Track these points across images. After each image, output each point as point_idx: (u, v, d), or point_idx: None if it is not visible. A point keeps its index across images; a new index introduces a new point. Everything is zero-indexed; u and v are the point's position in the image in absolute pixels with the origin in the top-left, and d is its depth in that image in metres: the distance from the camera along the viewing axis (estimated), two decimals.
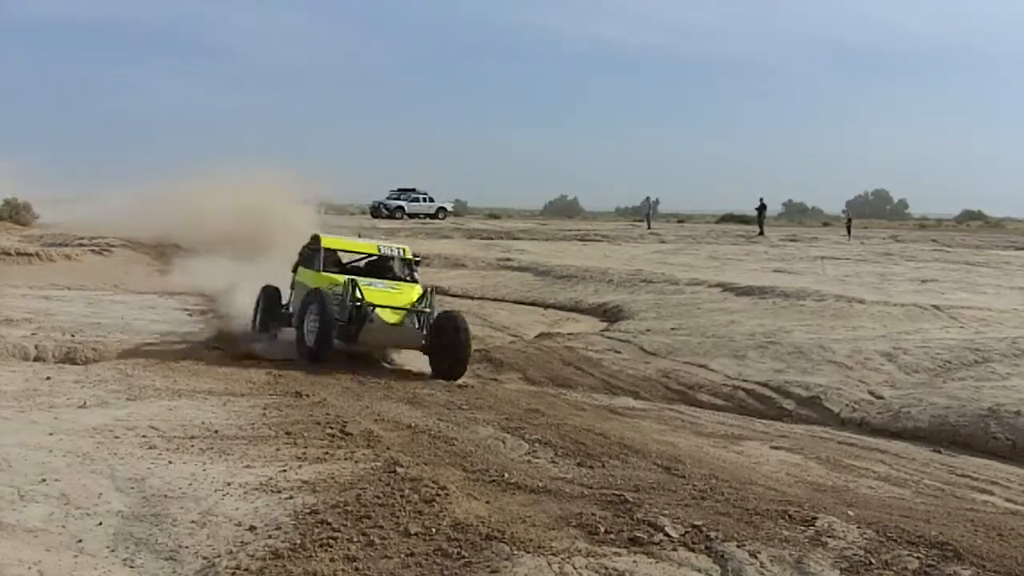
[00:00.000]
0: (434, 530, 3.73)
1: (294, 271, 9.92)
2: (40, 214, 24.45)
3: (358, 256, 10.14)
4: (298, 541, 3.59)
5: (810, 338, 10.34)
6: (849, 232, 35.11)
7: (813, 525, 4.01)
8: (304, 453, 4.94)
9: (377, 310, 8.37)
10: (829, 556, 3.65)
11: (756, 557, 3.58)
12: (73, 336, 8.70)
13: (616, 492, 4.53)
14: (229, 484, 4.33)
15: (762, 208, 34.84)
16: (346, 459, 4.84)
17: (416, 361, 8.99)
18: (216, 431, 5.38)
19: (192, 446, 5.02)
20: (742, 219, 44.88)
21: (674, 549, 3.65)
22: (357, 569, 3.37)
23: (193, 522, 3.83)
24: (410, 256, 9.83)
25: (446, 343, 8.46)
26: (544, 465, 5.23)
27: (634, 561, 3.51)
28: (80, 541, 3.61)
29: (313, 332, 8.26)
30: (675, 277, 16.91)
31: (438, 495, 4.11)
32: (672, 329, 11.52)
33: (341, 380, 7.64)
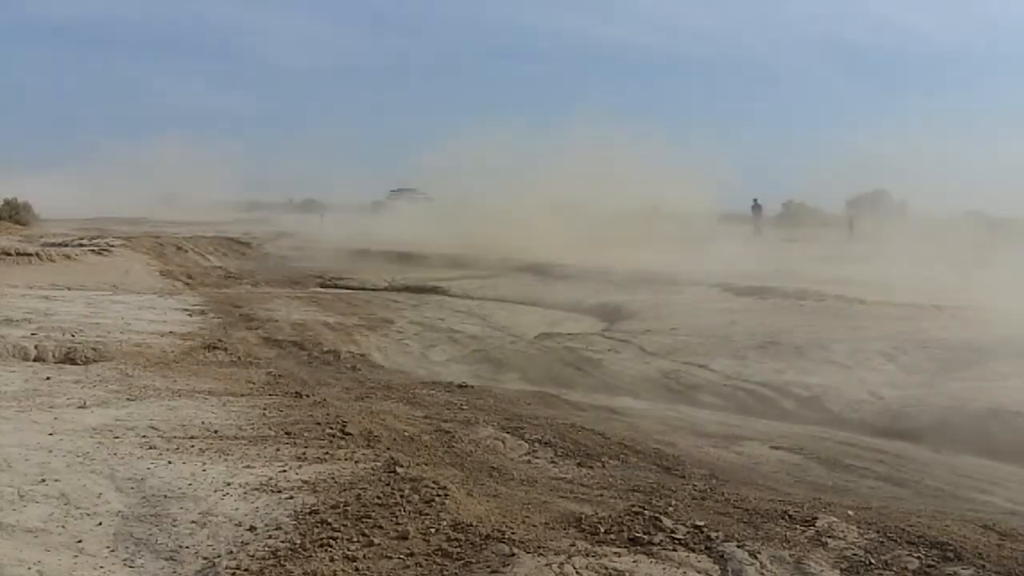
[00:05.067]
0: (434, 530, 3.73)
1: None
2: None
3: None
4: (298, 541, 3.59)
5: (810, 338, 10.35)
6: (851, 229, 35.13)
7: (813, 525, 4.01)
8: (304, 453, 4.94)
9: None
10: (829, 556, 3.65)
11: (756, 557, 3.58)
12: (73, 336, 8.69)
13: (616, 492, 4.54)
14: (229, 484, 4.33)
15: (757, 208, 34.79)
16: (346, 459, 4.84)
17: (415, 361, 8.99)
18: (216, 431, 5.38)
19: (192, 446, 5.02)
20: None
21: (674, 549, 3.65)
22: (357, 569, 3.37)
23: (193, 522, 3.83)
24: None
25: None
26: (544, 465, 5.23)
27: (634, 561, 3.51)
28: (80, 541, 3.61)
29: None
30: (675, 277, 16.92)
31: (438, 495, 4.11)
32: (672, 329, 11.52)
33: (341, 380, 7.65)
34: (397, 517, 3.86)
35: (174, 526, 3.79)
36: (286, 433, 5.40)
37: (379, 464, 4.70)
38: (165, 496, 4.14)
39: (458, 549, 3.56)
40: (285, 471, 4.57)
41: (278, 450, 5.01)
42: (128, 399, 6.23)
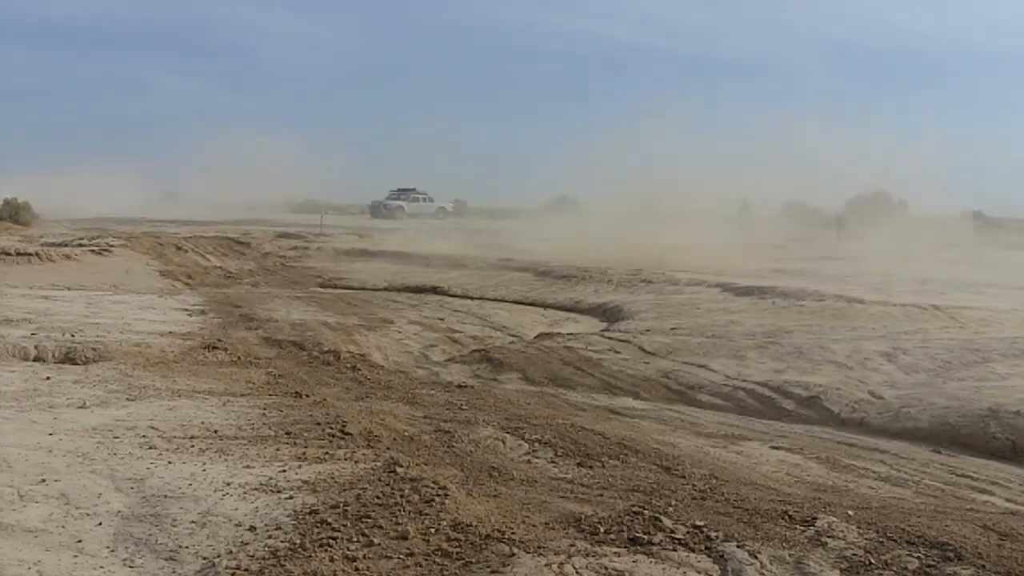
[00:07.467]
0: (434, 530, 3.73)
1: None
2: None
3: None
4: (298, 541, 3.59)
5: (810, 338, 10.35)
6: (839, 231, 35.23)
7: (813, 525, 4.02)
8: (304, 453, 4.94)
9: None
10: (829, 556, 3.65)
11: (756, 557, 3.58)
12: (73, 336, 8.69)
13: (616, 492, 4.53)
14: (229, 484, 4.33)
15: (744, 208, 35.06)
16: (346, 459, 4.84)
17: (415, 362, 8.99)
18: (216, 431, 5.38)
19: (192, 446, 5.02)
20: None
21: (674, 549, 3.65)
22: (357, 569, 3.37)
23: (193, 522, 3.83)
24: None
25: None
26: (544, 465, 5.23)
27: (634, 561, 3.52)
28: (80, 541, 3.61)
29: None
30: (675, 277, 16.94)
31: (438, 495, 4.11)
32: (672, 329, 11.53)
33: (341, 380, 7.65)
34: (397, 517, 3.86)
35: (174, 526, 3.79)
36: (286, 433, 5.40)
37: (379, 464, 4.70)
38: (165, 496, 4.14)
39: (458, 549, 3.56)
40: (285, 471, 4.57)
41: (278, 450, 5.01)
42: (128, 399, 6.23)
